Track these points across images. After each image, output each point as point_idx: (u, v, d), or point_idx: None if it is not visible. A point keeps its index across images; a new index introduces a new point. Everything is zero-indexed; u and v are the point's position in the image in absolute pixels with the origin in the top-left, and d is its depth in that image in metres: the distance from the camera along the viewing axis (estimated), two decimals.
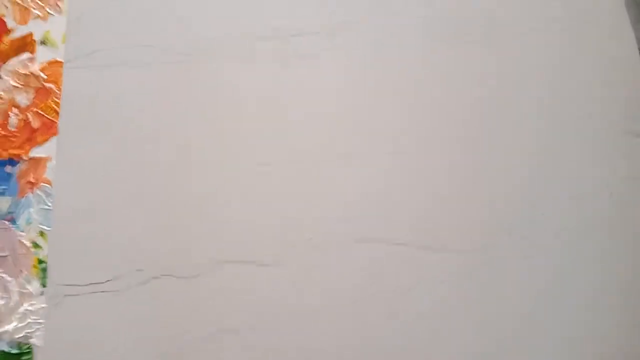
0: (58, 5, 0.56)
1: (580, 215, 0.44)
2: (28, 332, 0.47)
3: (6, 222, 0.50)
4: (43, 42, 0.55)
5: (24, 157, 0.52)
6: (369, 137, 0.46)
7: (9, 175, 0.51)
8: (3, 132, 0.52)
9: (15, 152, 0.52)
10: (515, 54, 0.49)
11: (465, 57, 0.48)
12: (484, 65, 0.48)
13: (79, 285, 0.44)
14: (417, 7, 0.50)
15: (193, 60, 0.48)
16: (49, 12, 0.56)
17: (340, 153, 0.46)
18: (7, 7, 0.56)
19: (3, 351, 0.47)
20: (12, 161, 0.52)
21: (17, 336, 0.47)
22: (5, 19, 0.56)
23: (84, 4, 0.51)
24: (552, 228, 0.44)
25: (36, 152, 0.52)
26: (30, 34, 0.56)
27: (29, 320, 0.47)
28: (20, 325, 0.47)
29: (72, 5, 0.52)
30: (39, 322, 0.47)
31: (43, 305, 0.47)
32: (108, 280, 0.44)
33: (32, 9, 0.56)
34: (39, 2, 0.56)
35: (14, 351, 0.47)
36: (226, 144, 0.46)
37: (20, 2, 0.57)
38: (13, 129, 0.52)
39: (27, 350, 0.46)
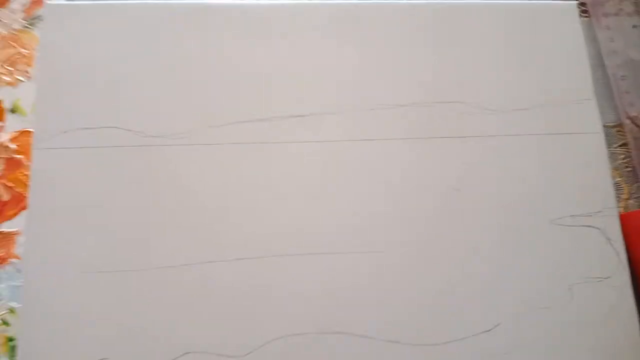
0: (27, 72, 0.56)
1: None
2: None
3: None
4: (13, 111, 0.55)
5: None
6: (350, 231, 0.47)
7: None
8: None
9: None
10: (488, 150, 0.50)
11: (440, 150, 0.50)
12: (456, 157, 0.49)
13: None
14: (395, 97, 0.51)
15: (161, 143, 0.49)
16: (18, 79, 0.56)
17: (308, 246, 0.46)
18: None
19: None
20: None
21: None
22: None
23: (54, 79, 0.51)
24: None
25: (6, 227, 0.52)
26: (0, 102, 0.56)
27: None
28: None
29: (41, 80, 0.52)
30: None
31: None
32: None
33: (1, 75, 0.56)
34: (8, 67, 0.56)
35: None
36: (199, 231, 0.47)
37: None
38: None
39: None
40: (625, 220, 0.51)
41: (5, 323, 0.50)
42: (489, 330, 0.46)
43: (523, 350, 0.46)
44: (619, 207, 0.54)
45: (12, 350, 0.49)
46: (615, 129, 0.57)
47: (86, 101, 0.51)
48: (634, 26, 0.61)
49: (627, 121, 0.57)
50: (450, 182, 0.50)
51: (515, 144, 0.51)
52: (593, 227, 0.48)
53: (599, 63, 0.60)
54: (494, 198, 0.49)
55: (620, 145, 0.56)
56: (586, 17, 0.61)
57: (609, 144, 0.56)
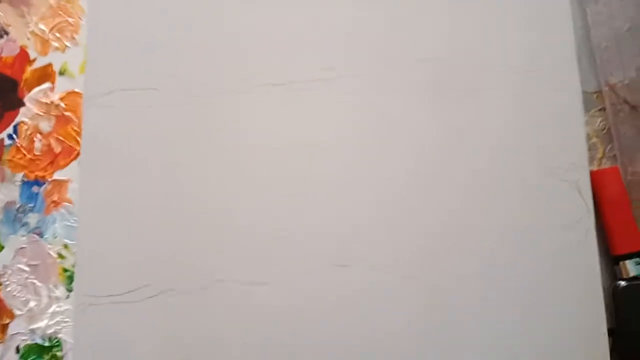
0: (74, 38, 0.64)
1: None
2: (57, 329, 0.57)
3: (35, 236, 0.59)
4: (61, 73, 0.63)
5: (48, 179, 0.60)
6: (363, 172, 0.55)
7: (36, 194, 0.60)
8: (30, 156, 0.61)
9: (41, 174, 0.61)
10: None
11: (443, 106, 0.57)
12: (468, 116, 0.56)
13: (100, 297, 0.53)
14: (417, 59, 0.58)
15: (203, 103, 0.56)
16: (66, 45, 0.64)
17: (336, 186, 0.54)
18: (29, 39, 0.64)
19: (37, 344, 0.57)
20: (38, 182, 0.60)
21: (48, 332, 0.57)
22: (28, 50, 0.64)
23: (102, 44, 0.59)
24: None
25: (59, 175, 0.61)
26: (50, 65, 0.63)
27: (58, 319, 0.57)
28: (50, 323, 0.57)
29: (90, 45, 0.60)
30: (65, 321, 0.57)
31: (69, 307, 0.57)
32: (123, 293, 0.53)
33: (51, 41, 0.64)
34: (57, 34, 0.64)
35: (47, 344, 0.57)
36: (232, 175, 0.55)
37: (40, 34, 0.64)
38: (38, 153, 0.61)
39: (57, 344, 0.57)
40: (596, 177, 0.58)
41: (61, 256, 0.59)
42: (472, 268, 0.54)
43: (496, 286, 0.54)
44: (594, 165, 0.61)
45: (68, 279, 0.58)
46: (594, 95, 0.64)
47: (129, 64, 0.59)
48: None
49: (606, 88, 0.64)
50: (452, 132, 0.57)
51: (505, 102, 0.58)
52: (565, 180, 0.56)
53: (586, 34, 0.66)
54: (486, 150, 0.56)
55: (598, 110, 0.63)
56: None
57: (589, 109, 0.63)
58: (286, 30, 0.59)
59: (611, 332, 0.54)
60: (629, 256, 0.56)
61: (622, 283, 0.56)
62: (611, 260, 0.57)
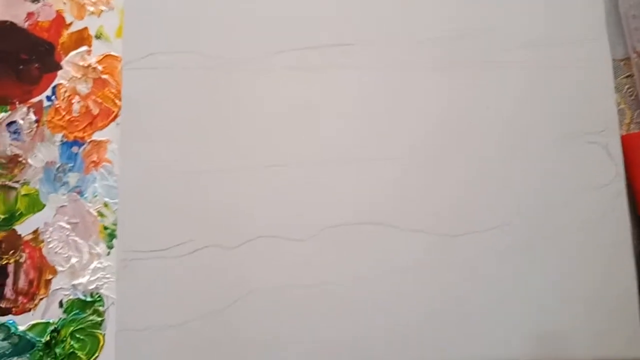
0: (109, 2, 0.65)
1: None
2: (99, 285, 0.59)
3: (75, 194, 0.61)
4: (97, 37, 0.64)
5: (87, 140, 0.62)
6: (381, 142, 0.57)
7: (76, 155, 0.62)
8: (68, 117, 0.62)
9: (80, 134, 0.62)
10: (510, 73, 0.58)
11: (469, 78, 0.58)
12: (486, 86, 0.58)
13: (142, 252, 0.55)
14: (431, 31, 0.59)
15: (235, 67, 0.58)
16: (101, 9, 0.65)
17: (354, 155, 0.56)
18: (65, 3, 0.65)
19: (79, 299, 0.59)
20: (77, 142, 0.62)
21: (90, 287, 0.59)
22: (64, 15, 0.64)
23: (138, 8, 0.60)
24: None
25: (97, 136, 0.62)
26: (86, 29, 0.64)
27: (99, 275, 0.59)
28: (91, 279, 0.59)
29: (127, 9, 0.61)
30: (106, 277, 0.59)
31: (109, 264, 0.59)
32: (166, 249, 0.55)
33: (86, 5, 0.65)
34: None
35: (89, 299, 0.59)
36: (263, 139, 0.57)
37: None
38: (76, 115, 0.62)
39: (99, 299, 0.59)
40: (626, 141, 0.59)
41: (102, 215, 0.60)
42: (500, 226, 0.56)
43: (529, 245, 0.56)
44: (622, 130, 0.62)
45: (109, 236, 0.60)
46: (622, 62, 0.65)
47: (166, 28, 0.60)
48: None
49: (634, 55, 0.65)
50: (478, 103, 0.58)
51: (534, 74, 0.59)
52: (596, 143, 0.57)
53: (614, 4, 0.67)
54: (512, 118, 0.58)
55: (626, 77, 0.64)
56: None
57: (617, 75, 0.64)
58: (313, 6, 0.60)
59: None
60: None
61: None
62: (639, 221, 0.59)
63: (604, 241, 0.56)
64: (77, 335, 0.58)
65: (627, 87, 0.64)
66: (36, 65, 0.63)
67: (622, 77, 0.64)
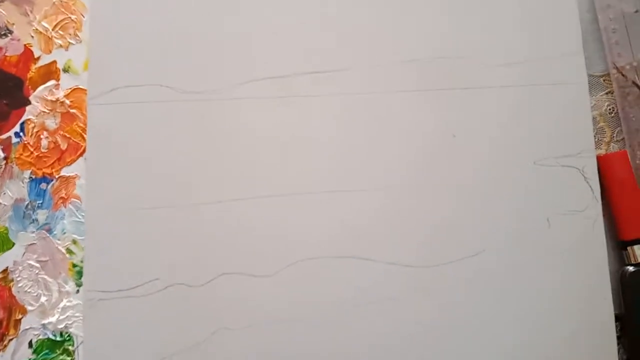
0: (77, 36, 0.64)
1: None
2: (68, 324, 0.58)
3: (44, 232, 0.60)
4: (65, 70, 0.63)
5: (56, 175, 0.61)
6: (356, 173, 0.55)
7: (44, 191, 0.61)
8: (37, 153, 0.62)
9: (48, 170, 0.61)
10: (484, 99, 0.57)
11: (442, 101, 0.56)
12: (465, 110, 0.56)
13: (108, 291, 0.54)
14: (409, 53, 0.57)
15: (204, 99, 0.56)
16: (69, 42, 0.64)
17: (326, 187, 0.55)
18: (33, 37, 0.64)
19: (49, 338, 0.58)
20: (46, 179, 0.61)
21: (59, 327, 0.58)
22: (32, 49, 0.64)
23: (104, 42, 0.59)
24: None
25: (66, 171, 0.61)
26: (54, 62, 0.64)
27: (68, 314, 0.58)
28: (61, 317, 0.58)
29: (92, 43, 0.60)
30: (76, 316, 0.58)
31: (79, 302, 0.58)
32: (132, 287, 0.54)
33: (54, 39, 0.64)
34: (60, 32, 0.64)
35: (58, 339, 0.58)
36: (233, 172, 0.55)
37: (44, 32, 0.64)
38: (45, 151, 0.62)
39: (69, 338, 0.58)
40: (604, 162, 0.58)
41: (70, 252, 0.59)
42: (475, 255, 0.54)
43: (504, 273, 0.54)
44: (602, 149, 0.61)
45: (77, 274, 0.59)
46: (602, 78, 0.63)
47: (132, 62, 0.59)
48: None
49: (614, 71, 0.63)
50: (448, 129, 0.57)
51: (507, 94, 0.58)
52: (572, 167, 0.55)
53: (593, 17, 0.65)
54: (485, 143, 0.56)
55: (606, 93, 0.62)
56: None
57: (596, 92, 0.62)
58: (282, 28, 0.59)
59: (618, 318, 0.54)
60: (637, 241, 0.55)
61: (630, 268, 0.55)
62: (619, 245, 0.57)
63: (580, 268, 0.54)
64: None
65: (606, 104, 0.62)
66: (5, 101, 0.62)
67: (601, 93, 0.62)
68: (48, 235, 0.60)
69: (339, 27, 0.59)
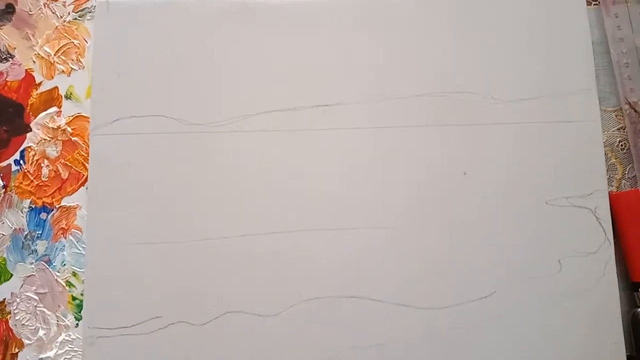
0: (80, 61, 0.63)
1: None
2: (66, 358, 0.57)
3: (43, 263, 0.59)
4: (67, 97, 0.62)
5: (56, 205, 0.60)
6: (363, 210, 0.54)
7: (44, 221, 0.59)
8: (37, 182, 0.60)
9: (49, 200, 0.60)
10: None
11: (452, 137, 0.55)
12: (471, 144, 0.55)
13: (109, 329, 0.53)
14: (420, 88, 0.56)
15: (208, 131, 0.55)
16: (72, 67, 0.63)
17: (332, 224, 0.53)
18: (35, 62, 0.63)
19: None
20: (46, 208, 0.60)
21: None
22: (33, 74, 0.63)
23: (107, 70, 0.58)
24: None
25: (67, 201, 0.60)
26: (56, 88, 0.62)
27: (67, 349, 0.57)
28: (59, 352, 0.57)
29: (95, 71, 0.59)
30: (75, 350, 0.57)
31: (78, 336, 0.57)
32: (133, 325, 0.53)
33: (56, 64, 0.63)
34: (63, 57, 0.63)
35: None
36: (237, 207, 0.54)
37: (45, 56, 0.63)
38: (45, 179, 0.60)
39: None
40: (615, 200, 0.56)
41: (70, 284, 0.58)
42: (486, 297, 0.53)
43: (515, 315, 0.53)
44: (613, 186, 0.59)
45: (77, 307, 0.57)
46: (614, 113, 0.62)
47: (136, 91, 0.58)
48: None
49: (626, 106, 0.62)
50: (458, 165, 0.56)
51: (519, 131, 0.56)
52: (584, 207, 0.54)
53: (605, 50, 0.64)
54: (495, 181, 0.55)
55: (618, 129, 0.61)
56: (596, 4, 0.65)
57: (608, 128, 0.61)
58: (289, 62, 0.58)
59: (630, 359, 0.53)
60: None
61: None
62: (630, 286, 0.56)
63: (592, 309, 0.53)
64: None
65: (618, 139, 0.61)
66: (4, 127, 0.61)
67: (613, 129, 0.61)
68: (47, 266, 0.59)
69: (348, 61, 0.58)
